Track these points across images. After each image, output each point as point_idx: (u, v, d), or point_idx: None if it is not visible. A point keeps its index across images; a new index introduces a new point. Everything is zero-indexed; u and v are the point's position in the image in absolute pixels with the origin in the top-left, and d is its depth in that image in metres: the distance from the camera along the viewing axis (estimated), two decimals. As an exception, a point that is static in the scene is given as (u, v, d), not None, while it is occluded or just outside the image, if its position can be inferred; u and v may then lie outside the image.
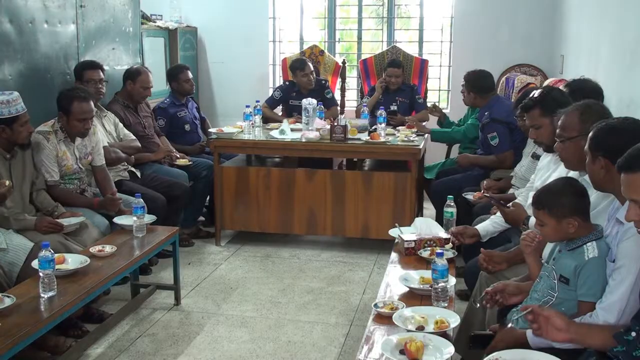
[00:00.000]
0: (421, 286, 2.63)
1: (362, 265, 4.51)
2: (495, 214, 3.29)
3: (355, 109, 6.13)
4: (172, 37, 6.28)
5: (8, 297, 2.60)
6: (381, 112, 4.88)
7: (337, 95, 6.18)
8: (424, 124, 5.19)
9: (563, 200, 2.14)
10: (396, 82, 5.65)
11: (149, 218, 3.64)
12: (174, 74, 5.27)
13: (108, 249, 3.26)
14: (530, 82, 5.67)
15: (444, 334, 2.20)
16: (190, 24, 6.76)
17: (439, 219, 4.01)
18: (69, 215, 3.53)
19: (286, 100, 5.81)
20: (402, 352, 2.07)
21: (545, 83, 5.25)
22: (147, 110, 4.95)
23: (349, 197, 4.63)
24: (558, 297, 2.14)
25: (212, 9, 6.76)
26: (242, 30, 6.72)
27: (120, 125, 4.53)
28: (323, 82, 5.86)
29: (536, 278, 2.30)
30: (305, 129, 4.87)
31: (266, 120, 5.53)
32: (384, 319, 2.39)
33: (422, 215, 4.86)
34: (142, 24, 5.54)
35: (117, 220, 3.68)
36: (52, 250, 2.70)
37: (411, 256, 3.05)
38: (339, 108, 5.98)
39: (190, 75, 5.27)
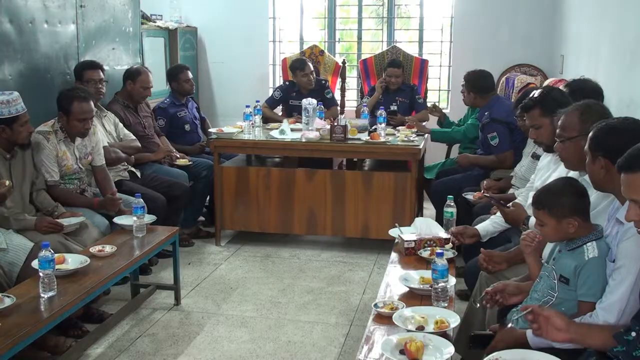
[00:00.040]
0: (421, 286, 2.63)
1: (362, 265, 4.51)
2: (495, 214, 3.29)
3: (355, 109, 6.13)
4: (172, 37, 6.28)
5: (8, 297, 2.60)
6: (381, 112, 4.88)
7: (337, 95, 6.18)
8: (424, 124, 5.19)
9: (563, 200, 2.14)
10: (396, 82, 5.65)
11: (149, 218, 3.64)
12: (174, 74, 5.27)
13: (108, 249, 3.26)
14: (530, 82, 5.67)
15: (444, 334, 2.20)
16: (190, 24, 6.76)
17: (439, 219, 4.01)
18: (69, 215, 3.53)
19: (286, 100, 5.81)
20: (402, 352, 2.07)
21: (545, 83, 5.25)
22: (147, 110, 4.95)
23: (349, 197, 4.63)
24: (558, 297, 2.14)
25: (212, 9, 6.76)
26: (242, 30, 6.72)
27: (120, 125, 4.53)
28: (323, 82, 5.86)
29: (536, 278, 2.30)
30: (305, 129, 4.87)
31: (266, 120, 5.53)
32: (384, 319, 2.39)
33: (422, 215, 4.86)
34: (142, 24, 5.54)
35: (117, 220, 3.68)
36: (52, 250, 2.70)
37: (411, 256, 3.05)
38: (339, 108, 5.98)
39: (190, 75, 5.27)
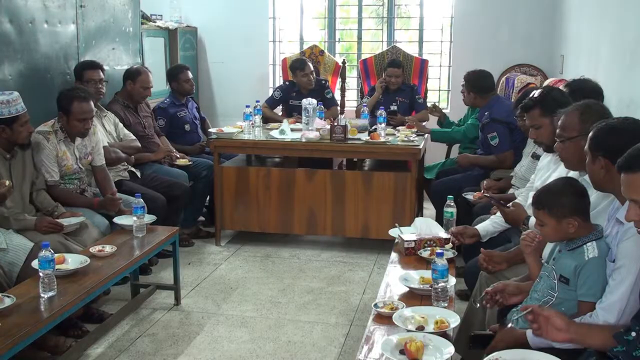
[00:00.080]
0: (421, 286, 2.63)
1: (362, 265, 4.51)
2: (495, 214, 3.29)
3: (355, 109, 6.13)
4: (172, 37, 6.28)
5: (8, 297, 2.60)
6: (381, 112, 4.88)
7: (337, 95, 6.18)
8: (424, 124, 5.19)
9: (563, 200, 2.14)
10: (396, 82, 5.65)
11: (149, 218, 3.64)
12: (174, 74, 5.27)
13: (108, 249, 3.26)
14: (530, 82, 5.67)
15: (444, 334, 2.20)
16: (190, 24, 6.76)
17: (439, 219, 4.01)
18: (69, 215, 3.53)
19: (286, 100, 5.81)
20: (402, 352, 2.07)
21: (545, 83, 5.25)
22: (147, 110, 4.95)
23: (349, 197, 4.63)
24: (558, 297, 2.14)
25: (212, 9, 6.76)
26: (242, 30, 6.72)
27: (120, 125, 4.53)
28: (323, 82, 5.86)
29: (536, 278, 2.30)
30: (305, 129, 4.87)
31: (266, 120, 5.53)
32: (384, 319, 2.39)
33: (422, 215, 4.86)
34: (142, 24, 5.54)
35: (117, 220, 3.68)
36: (52, 250, 2.70)
37: (411, 256, 3.05)
38: (339, 108, 5.98)
39: (190, 75, 5.27)
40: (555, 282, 2.15)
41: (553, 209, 2.14)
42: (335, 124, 4.60)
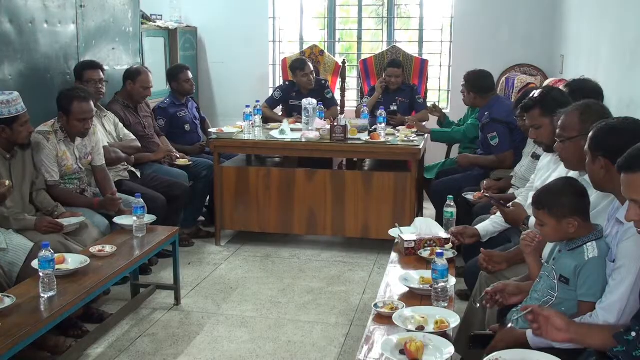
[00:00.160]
0: (421, 286, 2.63)
1: (362, 265, 4.51)
2: (495, 214, 3.29)
3: (355, 109, 6.13)
4: (172, 37, 6.28)
5: (8, 297, 2.60)
6: (381, 112, 4.88)
7: (337, 95, 6.18)
8: (424, 124, 5.19)
9: (563, 200, 2.14)
10: (396, 82, 5.65)
11: (149, 218, 3.64)
12: (174, 74, 5.27)
13: (108, 249, 3.26)
14: (530, 82, 5.67)
15: (444, 334, 2.20)
16: (190, 24, 6.76)
17: (439, 219, 4.01)
18: (69, 215, 3.53)
19: (286, 100, 5.81)
20: (402, 352, 2.07)
21: (545, 83, 5.25)
22: (147, 110, 4.95)
23: (349, 197, 4.63)
24: (558, 297, 2.14)
25: (212, 9, 6.76)
26: (242, 30, 6.72)
27: (120, 125, 4.53)
28: (323, 82, 5.86)
29: (536, 278, 2.30)
30: (305, 129, 4.87)
31: (266, 120, 5.53)
32: (384, 319, 2.39)
33: (422, 215, 4.86)
34: (142, 24, 5.54)
35: (117, 220, 3.68)
36: (52, 250, 2.70)
37: (411, 256, 3.05)
38: (339, 108, 5.98)
39: (190, 75, 5.27)
40: (555, 282, 2.15)
41: (553, 209, 2.14)
42: (335, 124, 4.60)
